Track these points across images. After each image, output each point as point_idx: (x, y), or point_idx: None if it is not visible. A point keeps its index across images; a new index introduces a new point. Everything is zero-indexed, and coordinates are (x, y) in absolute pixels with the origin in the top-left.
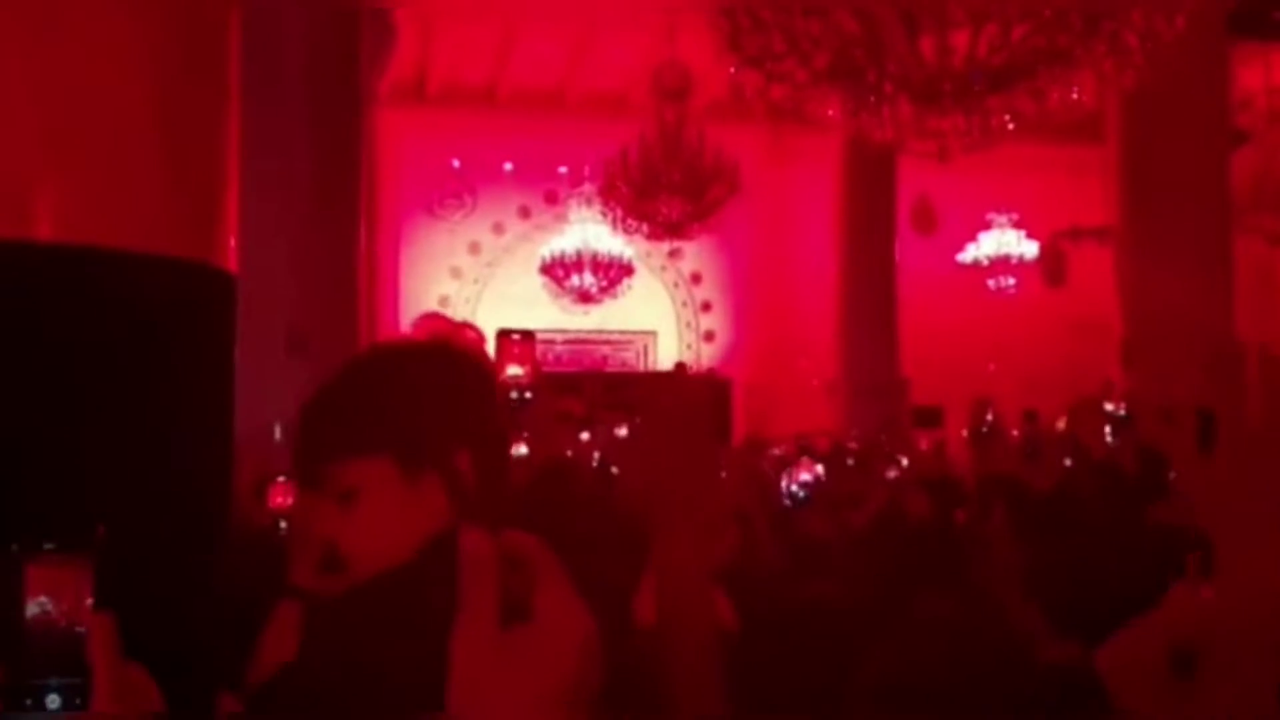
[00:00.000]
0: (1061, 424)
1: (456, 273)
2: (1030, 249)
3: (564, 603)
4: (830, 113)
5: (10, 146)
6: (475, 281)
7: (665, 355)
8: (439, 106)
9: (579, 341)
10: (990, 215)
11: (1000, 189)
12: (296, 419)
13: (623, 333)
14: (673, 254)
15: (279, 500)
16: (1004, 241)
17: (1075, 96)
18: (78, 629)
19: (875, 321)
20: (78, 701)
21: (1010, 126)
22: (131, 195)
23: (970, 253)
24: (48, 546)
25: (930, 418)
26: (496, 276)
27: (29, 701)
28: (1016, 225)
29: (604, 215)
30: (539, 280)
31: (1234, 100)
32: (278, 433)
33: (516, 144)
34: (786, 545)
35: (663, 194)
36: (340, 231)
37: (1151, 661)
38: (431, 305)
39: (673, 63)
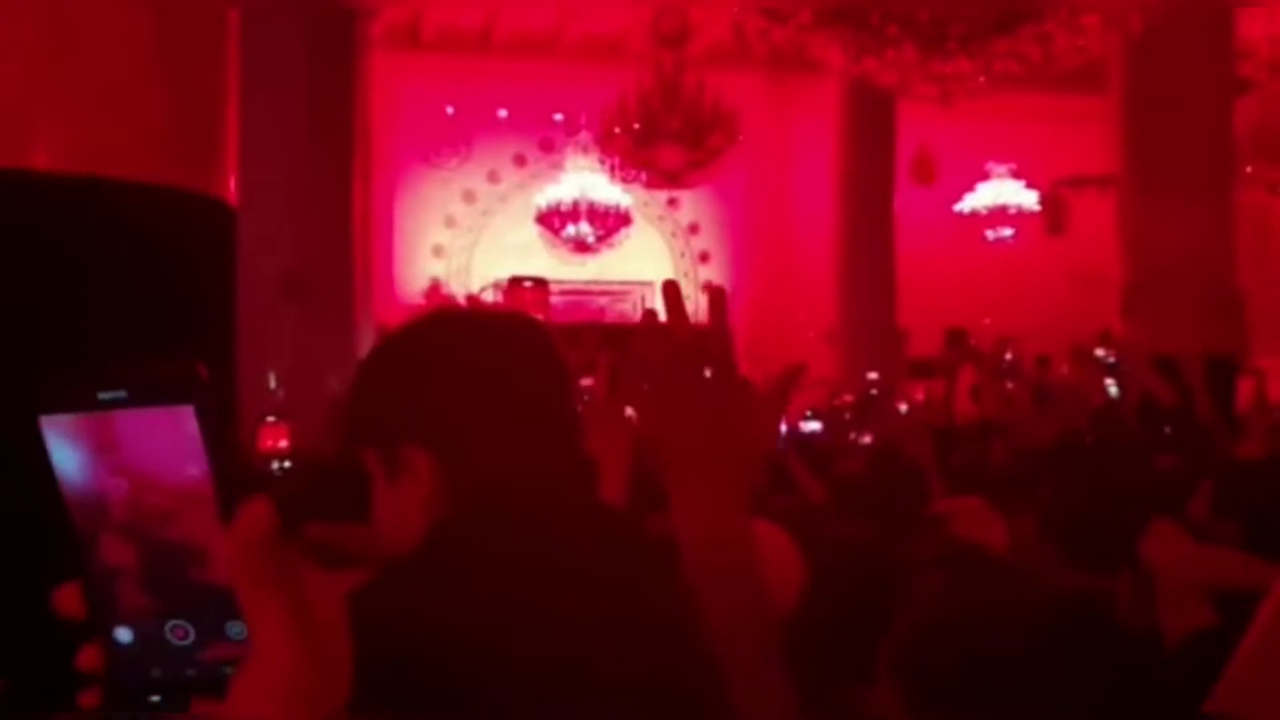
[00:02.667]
0: (1066, 370)
1: (451, 221)
2: (1029, 199)
3: None
4: (833, 57)
5: (8, 74)
6: (470, 230)
7: (663, 306)
8: (433, 52)
9: (575, 292)
10: (989, 165)
11: (999, 138)
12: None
13: (620, 283)
14: (671, 203)
15: (269, 443)
16: (1002, 191)
17: (1081, 43)
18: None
19: (873, 271)
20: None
21: (1015, 71)
22: (131, 124)
23: (969, 202)
24: None
25: (927, 369)
26: (492, 225)
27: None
28: (1015, 175)
29: (601, 164)
30: (534, 230)
31: (1236, 50)
32: (272, 380)
33: (511, 91)
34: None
35: (661, 142)
36: (335, 178)
37: None
38: (426, 254)
39: (671, 8)
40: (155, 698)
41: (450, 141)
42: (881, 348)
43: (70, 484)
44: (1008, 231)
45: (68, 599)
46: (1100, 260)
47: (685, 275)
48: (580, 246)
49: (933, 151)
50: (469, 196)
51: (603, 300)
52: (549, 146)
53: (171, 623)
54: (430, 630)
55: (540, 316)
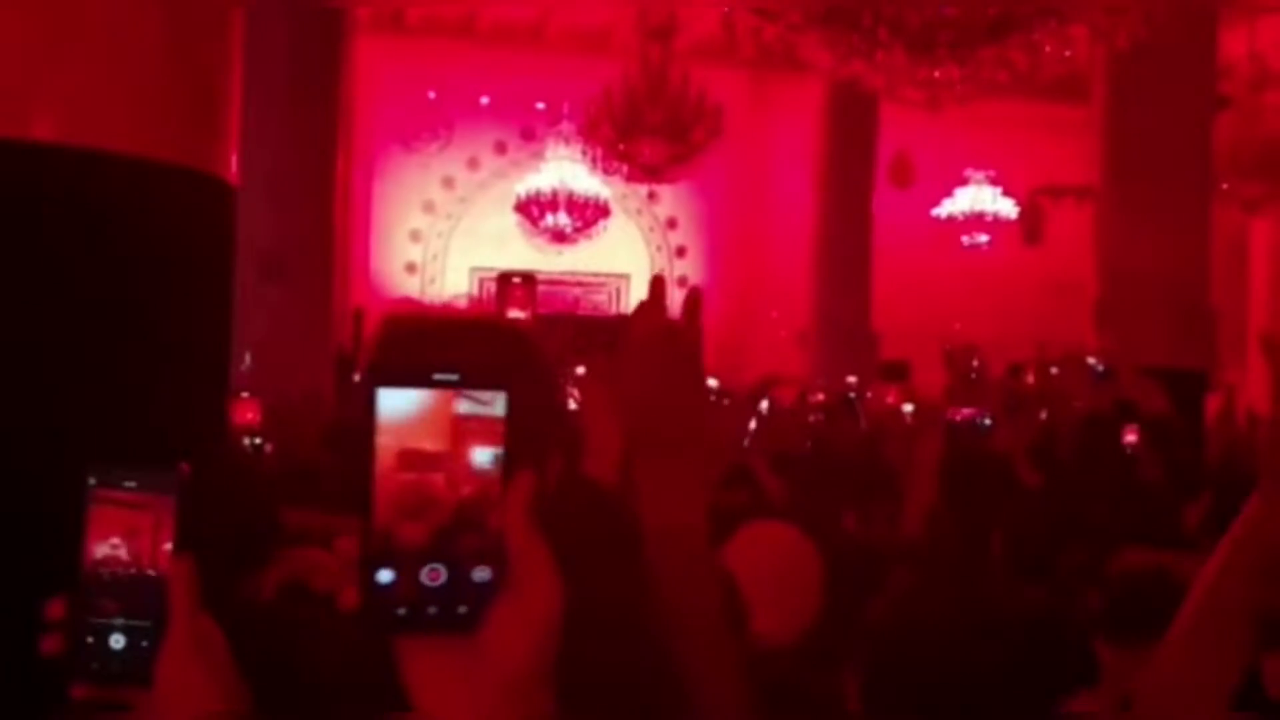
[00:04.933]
0: (1031, 379)
1: (429, 207)
2: (1006, 206)
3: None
4: (822, 58)
5: (12, 44)
6: (448, 217)
7: (638, 299)
8: (416, 37)
9: (551, 283)
10: (968, 171)
11: (978, 145)
12: None
13: (596, 275)
14: (650, 197)
15: (242, 417)
16: (980, 198)
17: (1068, 53)
18: (151, 571)
19: (849, 273)
20: (144, 644)
21: (1002, 78)
22: (134, 98)
23: (946, 208)
24: (128, 484)
25: (897, 372)
26: (470, 213)
27: (90, 639)
28: (993, 182)
29: (583, 154)
30: (513, 218)
31: (1218, 66)
32: (247, 359)
33: (494, 78)
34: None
35: (644, 135)
36: (316, 160)
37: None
38: (403, 238)
39: (658, 1)
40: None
41: (431, 126)
42: (854, 349)
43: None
44: (984, 238)
45: None
46: (1075, 270)
47: (662, 269)
48: (558, 236)
49: (912, 156)
50: (448, 183)
51: (578, 291)
52: (530, 135)
53: (429, 566)
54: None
55: (528, 312)
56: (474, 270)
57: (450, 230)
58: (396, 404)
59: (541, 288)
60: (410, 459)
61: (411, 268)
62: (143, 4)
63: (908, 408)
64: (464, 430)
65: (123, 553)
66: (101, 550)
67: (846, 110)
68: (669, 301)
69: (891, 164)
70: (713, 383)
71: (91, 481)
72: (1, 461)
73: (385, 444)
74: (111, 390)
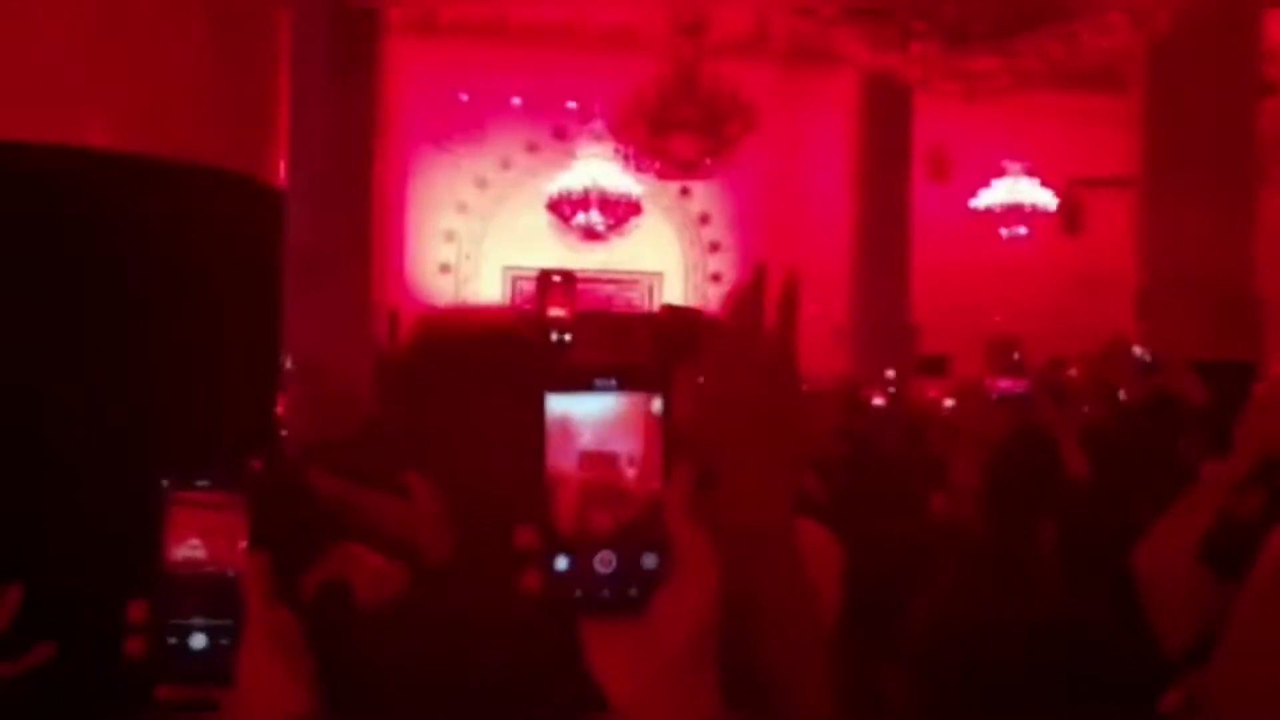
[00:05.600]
0: (1074, 372)
1: (463, 208)
2: (1045, 197)
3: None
4: (857, 51)
5: (64, 51)
6: (481, 217)
7: (671, 296)
8: (448, 38)
9: (584, 280)
10: (1005, 162)
11: (1015, 136)
12: None
13: (629, 273)
14: (683, 194)
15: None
16: (1018, 189)
17: (1106, 42)
18: (228, 570)
19: (887, 267)
20: (224, 643)
21: (1039, 69)
22: (185, 104)
23: (984, 199)
24: (201, 483)
25: (936, 366)
26: (503, 212)
27: (173, 640)
28: (1030, 173)
29: (616, 152)
30: (545, 217)
31: (1263, 51)
32: (288, 363)
33: (525, 78)
34: None
35: (677, 131)
36: (352, 162)
37: (1183, 551)
38: (437, 238)
39: None
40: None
41: (464, 127)
42: (893, 343)
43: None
44: (1023, 230)
45: None
46: (1115, 262)
47: (694, 266)
48: (590, 234)
49: (948, 148)
50: (481, 182)
51: (610, 289)
52: (562, 134)
53: (601, 554)
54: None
55: (568, 310)
56: (507, 269)
57: (483, 230)
58: (567, 407)
59: (575, 273)
60: (588, 459)
61: (445, 268)
62: (188, 8)
63: (949, 402)
64: (624, 430)
65: (200, 553)
66: (179, 551)
67: (881, 103)
68: (700, 297)
69: (928, 156)
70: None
71: (165, 484)
72: (71, 468)
73: (557, 445)
74: (168, 394)
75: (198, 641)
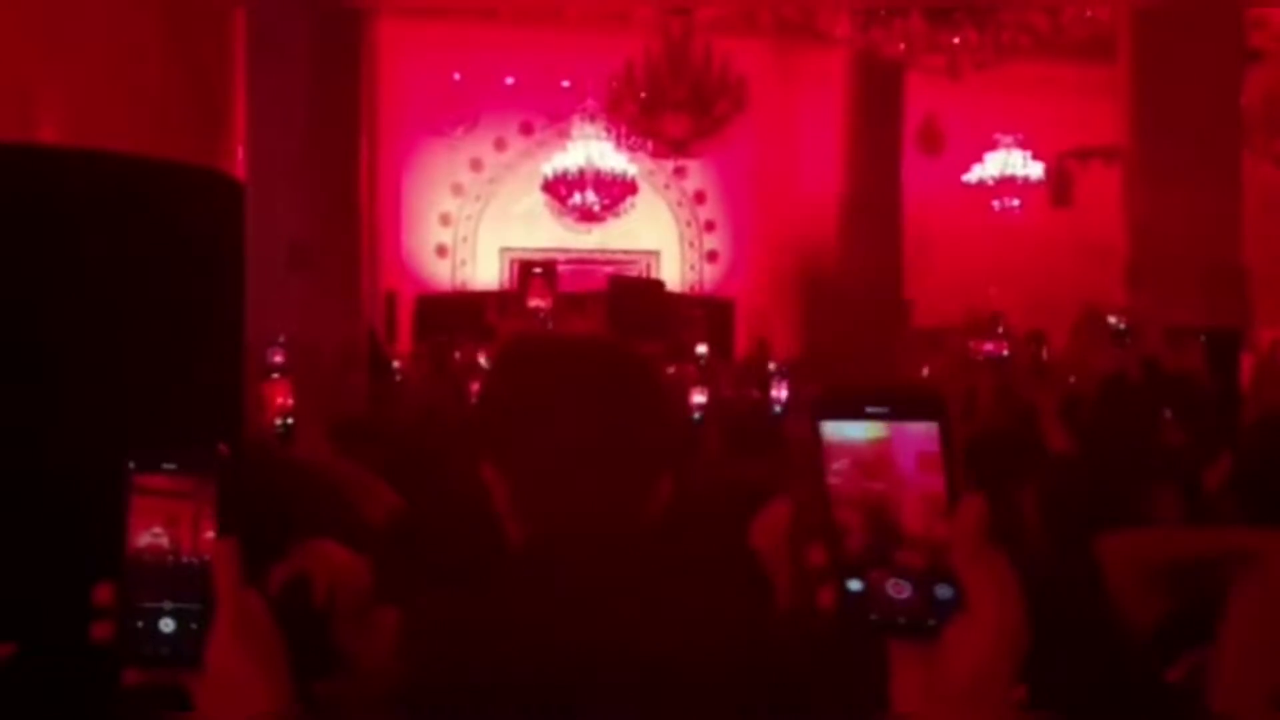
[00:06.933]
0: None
1: (458, 190)
2: (1035, 169)
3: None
4: (841, 28)
5: (12, 48)
6: (477, 199)
7: (668, 275)
8: (440, 19)
9: (581, 261)
10: (996, 135)
11: (1006, 109)
12: None
13: (625, 252)
14: (677, 172)
15: (281, 399)
16: (1009, 162)
17: (1089, 13)
18: (195, 556)
19: (880, 242)
20: (193, 626)
21: (1023, 42)
22: (137, 99)
23: (975, 173)
24: (168, 466)
25: (930, 339)
26: (498, 194)
27: (139, 623)
28: (1022, 145)
29: (608, 132)
30: (541, 198)
31: (1249, 20)
32: (280, 345)
33: (518, 59)
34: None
35: (668, 110)
36: (341, 146)
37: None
38: (433, 222)
39: None
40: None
41: (457, 109)
42: (885, 318)
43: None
44: (1015, 202)
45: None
46: (1105, 232)
47: (690, 245)
48: (586, 215)
49: (940, 121)
50: (476, 164)
51: (608, 269)
52: (556, 114)
53: (894, 580)
54: (472, 646)
55: (548, 302)
56: (504, 251)
57: (480, 212)
58: (838, 434)
59: (572, 267)
60: (858, 487)
61: (442, 250)
62: (141, 3)
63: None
64: (901, 458)
65: (165, 538)
66: (144, 535)
67: (871, 78)
68: (695, 274)
69: (919, 130)
70: (702, 349)
71: (131, 466)
72: (33, 458)
73: (838, 469)
74: (130, 385)
75: (165, 625)
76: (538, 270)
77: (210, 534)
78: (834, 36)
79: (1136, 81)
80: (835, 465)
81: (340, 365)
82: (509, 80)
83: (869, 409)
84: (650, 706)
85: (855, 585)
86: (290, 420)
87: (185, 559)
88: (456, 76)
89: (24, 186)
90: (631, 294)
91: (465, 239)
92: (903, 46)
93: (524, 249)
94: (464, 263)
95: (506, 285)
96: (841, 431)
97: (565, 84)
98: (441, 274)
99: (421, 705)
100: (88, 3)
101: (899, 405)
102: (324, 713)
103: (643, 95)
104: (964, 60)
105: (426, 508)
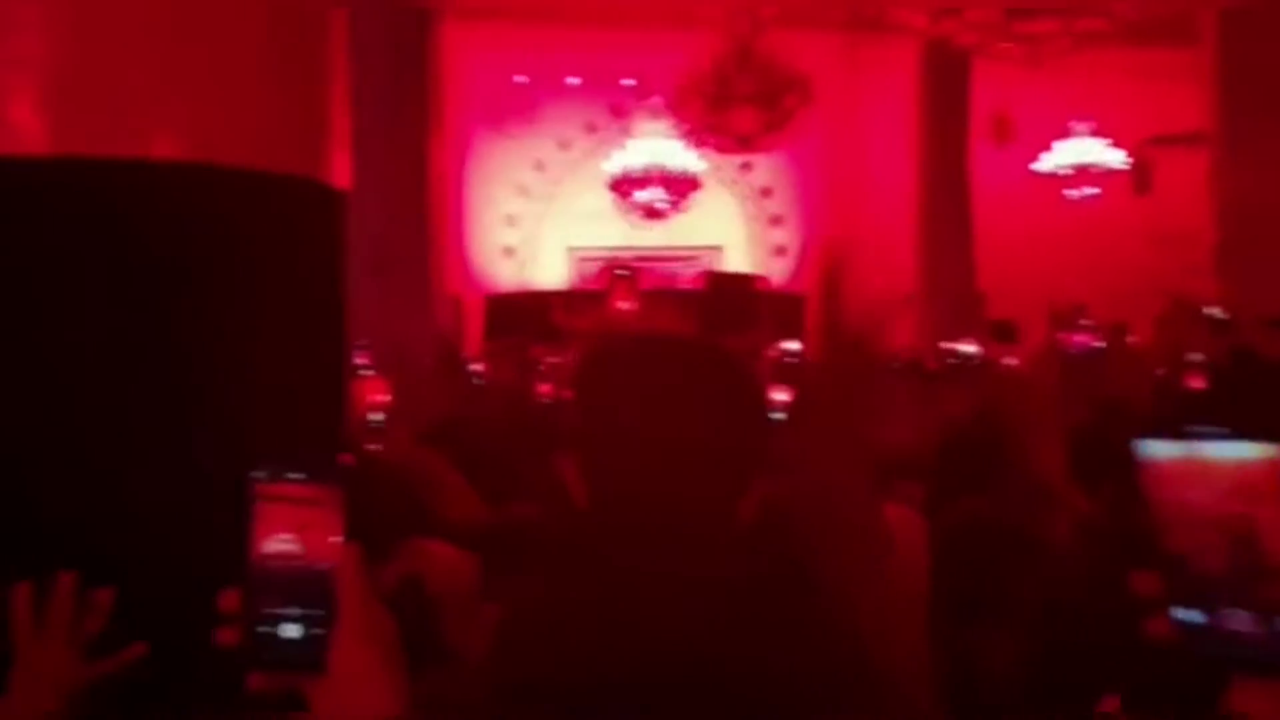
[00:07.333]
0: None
1: (523, 190)
2: (1113, 157)
3: None
4: (914, 18)
5: (131, 71)
6: (541, 199)
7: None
8: (502, 22)
9: (647, 258)
10: (1071, 123)
11: (1081, 95)
12: None
13: (691, 248)
14: (744, 167)
15: (371, 397)
16: (1084, 150)
17: None
18: (320, 563)
19: (950, 233)
20: (317, 632)
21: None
22: (244, 113)
23: (1049, 162)
24: (292, 477)
25: (1005, 332)
26: (563, 193)
27: (265, 629)
28: (1097, 133)
29: (674, 129)
30: (605, 196)
31: None
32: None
33: (582, 57)
34: None
35: (735, 105)
36: (412, 151)
37: None
38: (498, 223)
39: None
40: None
41: (520, 110)
42: (961, 311)
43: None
44: (1092, 191)
45: None
46: (1186, 220)
47: (757, 241)
48: (651, 212)
49: (1011, 110)
50: (540, 165)
51: (675, 266)
52: (620, 112)
53: (1245, 613)
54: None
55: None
56: (570, 250)
57: (544, 212)
58: (1209, 454)
59: (637, 264)
60: (1223, 506)
61: (508, 251)
62: (247, 15)
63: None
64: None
65: (292, 545)
66: (270, 542)
67: (941, 69)
68: (762, 270)
69: (991, 119)
70: (795, 345)
71: (258, 476)
72: (157, 468)
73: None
74: (245, 395)
75: (290, 631)
76: (622, 272)
77: (335, 540)
78: (907, 27)
79: (1222, 64)
80: (1185, 488)
81: (425, 366)
82: (572, 80)
83: (1199, 429)
84: (738, 711)
85: (1194, 617)
86: (381, 417)
87: (310, 565)
88: (519, 78)
89: (140, 201)
90: (725, 289)
91: (531, 240)
92: (976, 36)
93: (590, 248)
94: (530, 263)
95: (574, 284)
96: (1207, 451)
97: (628, 82)
98: (507, 274)
99: (517, 701)
100: (199, 24)
101: (1238, 423)
102: (430, 709)
103: (709, 90)
104: (1043, 50)
105: (522, 508)
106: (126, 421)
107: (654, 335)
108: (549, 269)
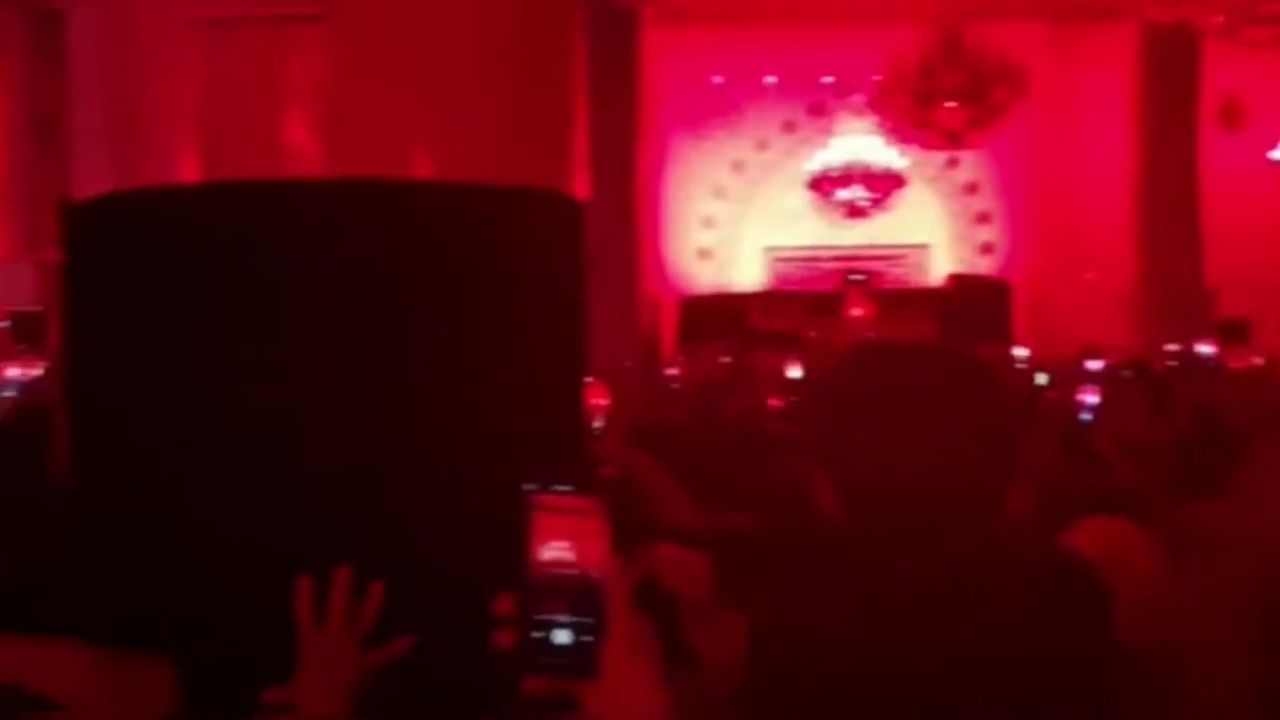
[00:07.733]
0: None
1: (720, 192)
2: None
3: None
4: (1147, 4)
5: (395, 100)
6: (739, 200)
7: (938, 269)
8: (700, 25)
9: (848, 258)
10: None
11: None
12: None
13: (894, 247)
14: (949, 164)
15: (593, 400)
16: None
17: None
18: (592, 572)
19: (1176, 226)
20: (587, 639)
21: None
22: (497, 133)
23: None
24: (562, 489)
25: (1236, 331)
26: (761, 194)
27: (539, 635)
28: None
29: (876, 126)
30: (804, 196)
31: None
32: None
33: (779, 57)
34: None
35: (942, 100)
36: (619, 154)
37: None
38: (695, 225)
39: None
40: None
41: (718, 111)
42: (1186, 308)
43: None
44: None
45: None
46: None
47: (961, 238)
48: (853, 211)
49: (1241, 96)
50: (738, 166)
51: (878, 265)
52: (819, 110)
53: None
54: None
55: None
56: (767, 250)
57: (742, 214)
58: None
59: (839, 263)
60: None
61: (704, 254)
62: (498, 64)
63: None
64: None
65: (567, 554)
66: (546, 551)
67: (1165, 54)
68: (971, 270)
69: (1220, 106)
70: (1023, 352)
71: (529, 487)
72: (427, 478)
73: None
74: (504, 402)
75: (562, 637)
76: (856, 278)
77: (606, 549)
78: (1136, 13)
79: None
80: None
81: (637, 369)
82: (770, 79)
83: None
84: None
85: None
86: (601, 422)
87: (583, 573)
88: (717, 80)
89: (401, 223)
90: (972, 294)
91: (728, 241)
92: (1223, 18)
93: (788, 248)
94: (727, 265)
95: (771, 285)
96: None
97: (828, 79)
98: (704, 276)
99: (768, 705)
100: (460, 53)
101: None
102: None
103: (915, 85)
104: None
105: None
106: (408, 433)
107: (905, 345)
108: (746, 271)
